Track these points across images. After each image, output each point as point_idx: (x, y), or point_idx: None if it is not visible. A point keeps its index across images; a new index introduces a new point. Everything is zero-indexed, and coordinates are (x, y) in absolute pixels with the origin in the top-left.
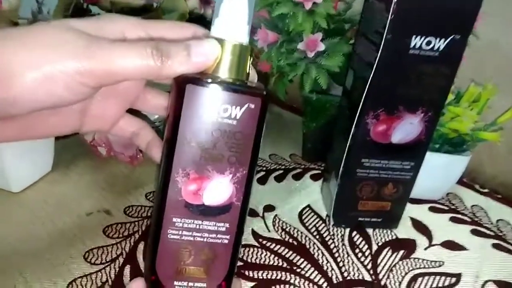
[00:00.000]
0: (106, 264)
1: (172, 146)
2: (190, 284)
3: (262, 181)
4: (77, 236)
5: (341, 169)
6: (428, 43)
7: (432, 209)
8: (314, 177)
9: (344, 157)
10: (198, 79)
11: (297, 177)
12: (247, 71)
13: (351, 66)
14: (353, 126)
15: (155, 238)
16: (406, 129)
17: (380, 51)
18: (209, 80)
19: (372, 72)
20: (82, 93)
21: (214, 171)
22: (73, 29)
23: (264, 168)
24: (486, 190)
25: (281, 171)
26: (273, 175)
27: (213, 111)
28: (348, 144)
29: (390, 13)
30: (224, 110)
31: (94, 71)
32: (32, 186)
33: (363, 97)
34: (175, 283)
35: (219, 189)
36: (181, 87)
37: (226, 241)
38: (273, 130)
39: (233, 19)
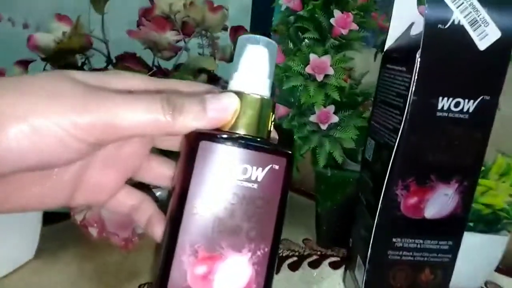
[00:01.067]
0: None
1: (179, 216)
2: None
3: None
4: None
5: (369, 251)
6: (457, 104)
7: None
8: (333, 265)
9: (372, 237)
10: (213, 134)
11: (314, 265)
12: (269, 128)
13: (370, 136)
14: (380, 199)
15: None
16: (441, 201)
17: (405, 114)
18: (226, 136)
19: (398, 137)
20: (77, 150)
21: (229, 248)
22: (74, 80)
23: None
24: None
25: (295, 258)
26: (286, 262)
27: (230, 172)
28: (376, 221)
29: (414, 74)
30: (244, 171)
31: (94, 124)
32: (11, 274)
33: (390, 166)
34: None
35: (235, 271)
36: (193, 144)
37: None
38: None
39: (253, 72)
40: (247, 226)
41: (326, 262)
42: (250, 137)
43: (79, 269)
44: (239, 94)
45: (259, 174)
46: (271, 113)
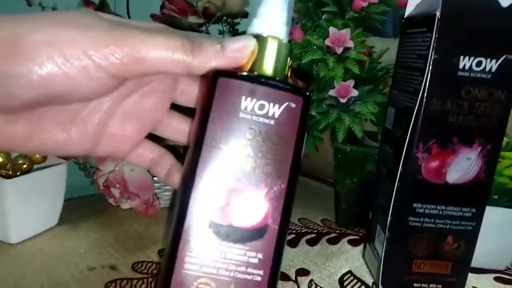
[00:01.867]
0: None
1: (198, 149)
2: None
3: (293, 243)
4: None
5: (389, 218)
6: (479, 64)
7: (498, 280)
8: (353, 243)
9: (392, 202)
10: (232, 72)
11: (333, 241)
12: (286, 72)
13: (390, 105)
14: (401, 163)
15: (168, 269)
16: (463, 165)
17: (426, 74)
18: (245, 73)
19: (419, 98)
20: (102, 82)
21: (247, 183)
22: (100, 16)
23: (294, 231)
24: None
25: (313, 235)
26: (304, 238)
27: (248, 107)
28: (396, 186)
29: (434, 31)
30: (261, 107)
31: (118, 55)
32: (33, 239)
33: (410, 128)
34: None
35: (251, 206)
36: (212, 81)
37: (258, 278)
38: (300, 197)
39: (272, 17)
40: (263, 162)
41: (345, 240)
42: (267, 75)
43: (100, 236)
44: (257, 36)
45: (276, 110)
46: (289, 57)
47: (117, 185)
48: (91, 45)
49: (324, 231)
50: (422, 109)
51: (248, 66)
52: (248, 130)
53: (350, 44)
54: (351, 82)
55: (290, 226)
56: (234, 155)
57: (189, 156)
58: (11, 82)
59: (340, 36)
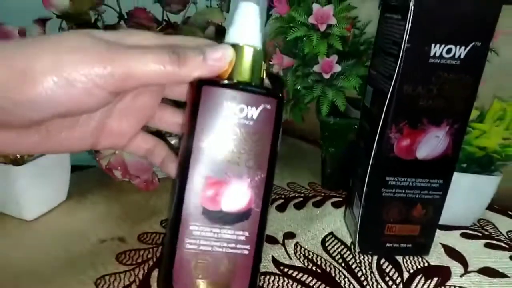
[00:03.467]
0: None
1: (189, 149)
2: None
3: (281, 208)
4: (89, 263)
5: (364, 189)
6: (449, 51)
7: (464, 235)
8: (336, 205)
9: (368, 176)
10: (214, 80)
11: (318, 204)
12: (261, 75)
13: (369, 83)
14: (375, 142)
15: (171, 249)
16: (432, 143)
17: (399, 62)
18: (225, 82)
19: (392, 84)
20: (100, 98)
21: (232, 176)
22: (94, 36)
23: (283, 196)
24: None
25: (300, 199)
26: (292, 202)
27: (230, 111)
28: (370, 163)
29: (408, 21)
30: (241, 110)
31: (113, 74)
32: (46, 215)
33: (384, 110)
34: None
35: (237, 194)
36: (197, 90)
37: (246, 252)
38: (290, 160)
39: (245, 25)
40: (246, 157)
41: (329, 202)
42: (245, 81)
43: (107, 209)
44: (234, 45)
45: (254, 112)
46: (263, 62)
47: (119, 168)
48: (91, 67)
49: (310, 195)
50: (395, 94)
51: (228, 72)
52: (231, 130)
53: (333, 21)
54: (334, 58)
55: (280, 192)
56: (220, 153)
57: (182, 155)
58: (24, 107)
59: (323, 13)
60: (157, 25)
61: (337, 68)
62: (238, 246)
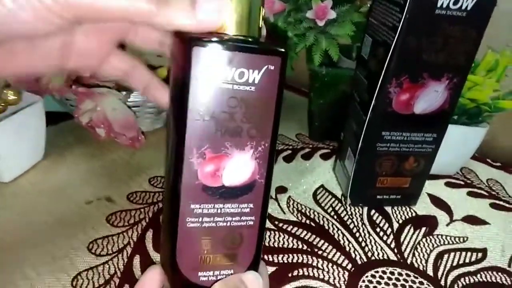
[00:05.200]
0: (113, 255)
1: (182, 123)
2: (216, 273)
3: None
4: (78, 226)
5: (360, 144)
6: (456, 2)
7: (448, 185)
8: (324, 156)
9: (364, 131)
10: (206, 39)
11: (307, 157)
12: (259, 25)
13: (367, 33)
14: (374, 96)
15: (172, 229)
16: (431, 97)
17: (405, 12)
18: (220, 39)
19: (396, 35)
20: (56, 24)
21: (233, 148)
22: None
23: None
24: (498, 164)
25: (289, 152)
26: (281, 155)
27: (228, 77)
28: (368, 117)
29: None
30: (240, 75)
31: (71, 3)
32: (24, 175)
33: (386, 63)
34: (200, 273)
35: (240, 167)
36: (186, 50)
37: (251, 223)
38: None
39: None
40: (247, 126)
41: (317, 154)
42: (243, 38)
43: (89, 167)
44: None
45: (256, 76)
46: (261, 8)
47: (102, 126)
48: None
49: (299, 147)
50: (398, 46)
51: (221, 26)
52: (231, 100)
53: None
54: (328, 3)
55: None
56: (219, 125)
57: (175, 129)
58: None
59: None
60: None
61: (332, 15)
62: (243, 218)
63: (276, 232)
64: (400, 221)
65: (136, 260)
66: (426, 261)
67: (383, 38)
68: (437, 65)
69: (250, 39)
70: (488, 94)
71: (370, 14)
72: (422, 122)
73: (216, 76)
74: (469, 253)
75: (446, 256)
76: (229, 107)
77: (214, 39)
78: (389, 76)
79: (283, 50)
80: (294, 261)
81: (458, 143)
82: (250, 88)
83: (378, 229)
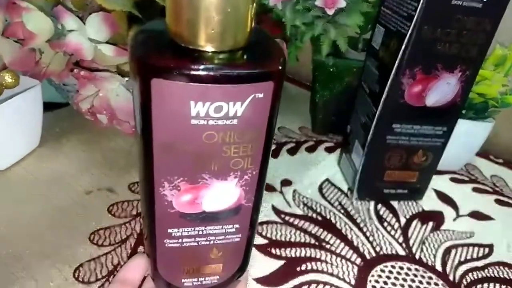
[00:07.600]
0: (116, 246)
1: (148, 154)
2: (201, 279)
3: (275, 154)
4: (80, 216)
5: (369, 136)
6: None
7: (453, 180)
8: (329, 150)
9: (374, 123)
10: (168, 69)
11: (311, 150)
12: (249, 28)
13: (379, 23)
14: (386, 88)
15: (151, 245)
16: (443, 90)
17: (421, 2)
18: (185, 70)
19: (412, 25)
20: None
21: (213, 178)
22: None
23: (275, 141)
24: (501, 161)
25: (293, 144)
26: (285, 148)
27: (201, 113)
28: (378, 109)
29: None
30: (217, 110)
31: None
32: (20, 162)
33: (400, 53)
34: (183, 280)
35: (222, 195)
36: (144, 81)
37: (237, 239)
38: None
39: None
40: (229, 158)
41: (321, 147)
42: (220, 60)
43: (88, 156)
44: None
45: (238, 108)
46: (252, 3)
47: (104, 112)
48: None
49: (302, 140)
50: (413, 36)
51: (188, 32)
52: (206, 135)
53: None
54: None
55: None
56: (194, 159)
57: (142, 160)
58: None
59: None
60: None
61: (342, 3)
62: (228, 236)
63: (283, 226)
64: (407, 216)
65: (140, 251)
66: (435, 256)
67: (396, 28)
68: (451, 56)
69: (232, 59)
70: (497, 89)
71: (383, 3)
72: (433, 115)
73: (183, 112)
74: (476, 248)
75: (454, 251)
76: (205, 142)
77: (179, 68)
78: (403, 67)
79: (279, 68)
80: (302, 255)
81: (464, 138)
82: (232, 121)
83: (385, 224)
